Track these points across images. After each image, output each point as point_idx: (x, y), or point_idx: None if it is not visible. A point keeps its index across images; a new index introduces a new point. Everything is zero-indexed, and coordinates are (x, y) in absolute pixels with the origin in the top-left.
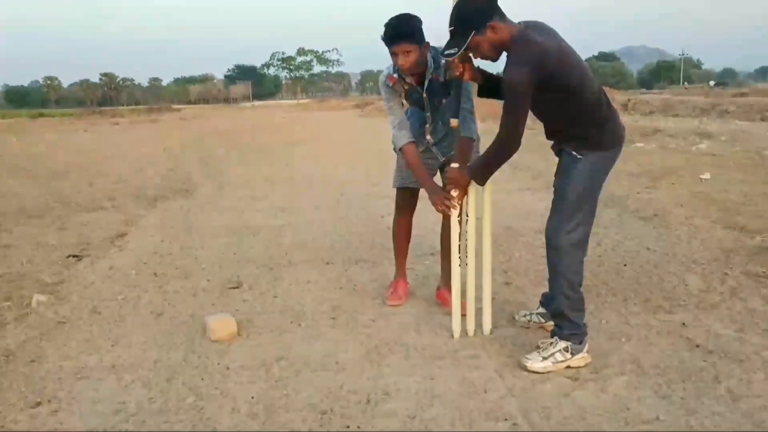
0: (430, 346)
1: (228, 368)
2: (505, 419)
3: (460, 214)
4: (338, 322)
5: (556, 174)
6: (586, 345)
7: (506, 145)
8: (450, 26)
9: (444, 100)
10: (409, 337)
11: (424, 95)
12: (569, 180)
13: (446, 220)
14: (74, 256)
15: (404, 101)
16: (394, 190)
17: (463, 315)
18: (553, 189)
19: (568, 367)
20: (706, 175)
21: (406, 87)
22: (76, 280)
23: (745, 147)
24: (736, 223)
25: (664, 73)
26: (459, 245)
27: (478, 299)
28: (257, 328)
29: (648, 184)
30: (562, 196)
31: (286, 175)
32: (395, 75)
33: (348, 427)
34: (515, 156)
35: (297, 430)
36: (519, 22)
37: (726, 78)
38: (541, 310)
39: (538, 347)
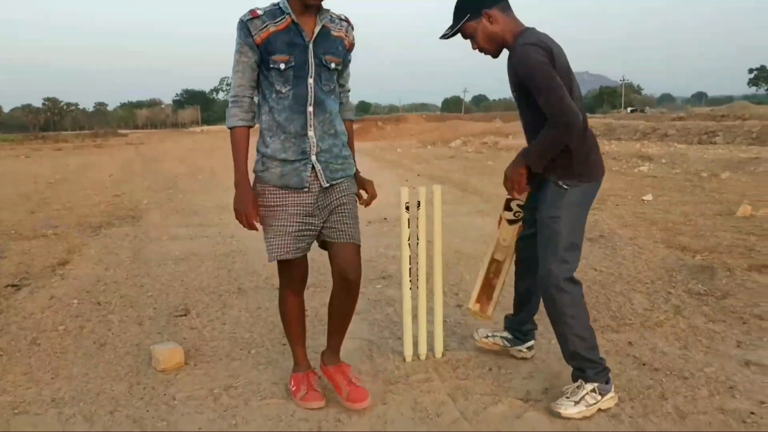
0: (382, 370)
1: (174, 399)
2: None
3: (410, 238)
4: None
5: (537, 205)
6: (612, 383)
7: (564, 124)
8: (453, 10)
9: (334, 65)
10: (361, 362)
11: (310, 45)
12: (558, 215)
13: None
14: (13, 286)
15: (277, 59)
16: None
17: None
18: (532, 216)
19: (600, 410)
20: (648, 197)
21: (282, 27)
22: (15, 310)
23: (684, 169)
24: (678, 243)
25: (607, 98)
26: (410, 268)
27: (429, 322)
28: (205, 357)
29: (593, 206)
30: (555, 233)
31: None
32: (260, 10)
33: None
34: (465, 178)
35: None
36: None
37: (665, 102)
38: (506, 334)
39: (564, 392)
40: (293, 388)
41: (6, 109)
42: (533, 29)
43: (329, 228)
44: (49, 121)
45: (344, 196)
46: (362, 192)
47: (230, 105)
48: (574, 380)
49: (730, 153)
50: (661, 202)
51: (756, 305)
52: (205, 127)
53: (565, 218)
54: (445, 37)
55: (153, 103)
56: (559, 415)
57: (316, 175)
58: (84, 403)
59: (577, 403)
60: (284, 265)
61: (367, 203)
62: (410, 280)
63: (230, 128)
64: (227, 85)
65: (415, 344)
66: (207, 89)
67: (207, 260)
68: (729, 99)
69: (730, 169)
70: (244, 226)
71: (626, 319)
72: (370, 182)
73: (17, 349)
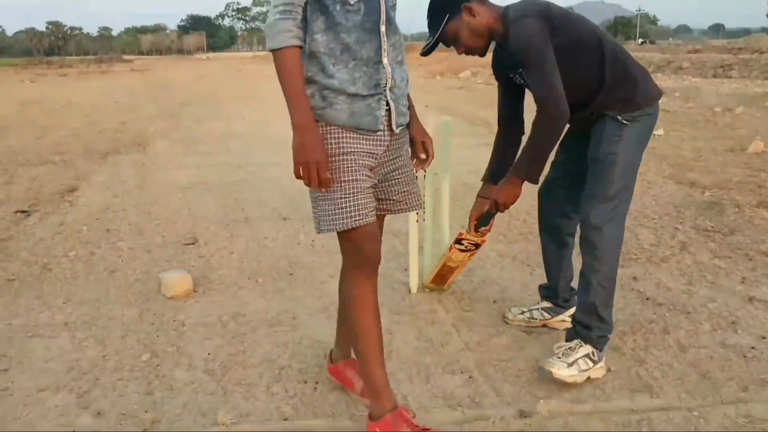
0: (388, 301)
1: (184, 325)
2: (461, 372)
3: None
4: (296, 278)
5: (588, 142)
6: (605, 353)
7: (552, 116)
8: (427, 20)
9: None
10: None
11: None
12: (615, 151)
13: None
14: (22, 212)
15: None
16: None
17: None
18: (564, 159)
19: (588, 378)
20: (660, 131)
21: None
22: (25, 236)
23: (697, 103)
24: (687, 179)
25: (621, 29)
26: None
27: (435, 255)
28: (213, 285)
29: None
30: (607, 171)
31: (242, 130)
32: None
33: (305, 382)
34: (474, 110)
35: (254, 386)
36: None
37: (681, 33)
38: (545, 304)
39: (555, 353)
40: None
41: (9, 33)
42: (515, 3)
43: (384, 200)
44: (53, 45)
45: (402, 156)
46: (419, 150)
47: (278, 17)
48: (570, 339)
49: (746, 87)
50: (673, 136)
51: (763, 242)
52: (211, 54)
53: (622, 155)
54: (427, 51)
55: (157, 29)
56: (550, 374)
57: (389, 117)
58: (95, 327)
59: (570, 365)
60: (357, 236)
61: (422, 166)
62: (417, 213)
63: (277, 49)
64: (233, 11)
65: (421, 276)
66: (212, 15)
67: (214, 189)
68: (747, 31)
69: (744, 104)
70: (313, 183)
71: (632, 254)
72: (429, 138)
73: (29, 274)
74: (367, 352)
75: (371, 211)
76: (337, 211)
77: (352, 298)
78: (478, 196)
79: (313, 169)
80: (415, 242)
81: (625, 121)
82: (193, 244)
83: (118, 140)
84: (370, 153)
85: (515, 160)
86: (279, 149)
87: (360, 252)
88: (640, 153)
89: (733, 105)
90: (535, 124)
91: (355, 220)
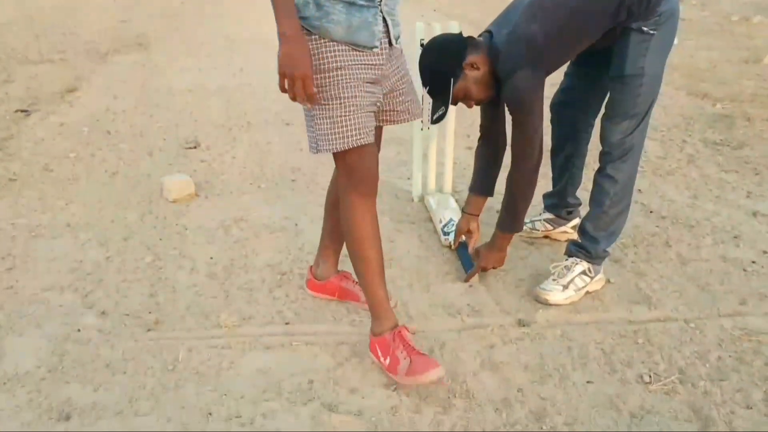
0: (390, 210)
1: (186, 229)
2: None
3: None
4: (298, 185)
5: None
6: (602, 265)
7: (535, 165)
8: (425, 87)
9: None
10: None
11: None
12: (642, 65)
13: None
14: (23, 111)
15: None
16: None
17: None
18: (576, 71)
19: (587, 293)
20: (674, 41)
21: None
22: (26, 136)
23: (713, 11)
24: (700, 90)
25: None
26: (422, 108)
27: (440, 164)
28: (216, 189)
29: None
30: (636, 87)
31: (245, 35)
32: None
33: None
34: (484, 17)
35: (256, 290)
36: (480, 35)
37: None
38: (547, 215)
39: (551, 273)
40: (385, 361)
41: None
42: (497, 35)
43: (388, 111)
44: None
45: (402, 65)
46: None
47: None
48: (569, 254)
49: None
50: (687, 46)
51: None
52: None
53: (648, 69)
54: (439, 119)
55: None
56: (546, 302)
57: (387, 30)
58: (98, 229)
59: (565, 287)
60: (355, 156)
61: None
62: (422, 120)
63: None
64: None
65: (424, 185)
66: None
67: (216, 93)
68: None
69: (762, 13)
70: (298, 98)
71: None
72: None
73: (30, 174)
74: (368, 273)
75: (371, 130)
76: (336, 130)
77: (352, 219)
78: (462, 211)
79: (298, 82)
80: (419, 151)
81: (651, 31)
82: (195, 148)
83: (119, 40)
84: (371, 65)
85: (499, 217)
86: None
87: (358, 170)
88: (664, 63)
89: (750, 13)
90: (513, 177)
91: (356, 140)
